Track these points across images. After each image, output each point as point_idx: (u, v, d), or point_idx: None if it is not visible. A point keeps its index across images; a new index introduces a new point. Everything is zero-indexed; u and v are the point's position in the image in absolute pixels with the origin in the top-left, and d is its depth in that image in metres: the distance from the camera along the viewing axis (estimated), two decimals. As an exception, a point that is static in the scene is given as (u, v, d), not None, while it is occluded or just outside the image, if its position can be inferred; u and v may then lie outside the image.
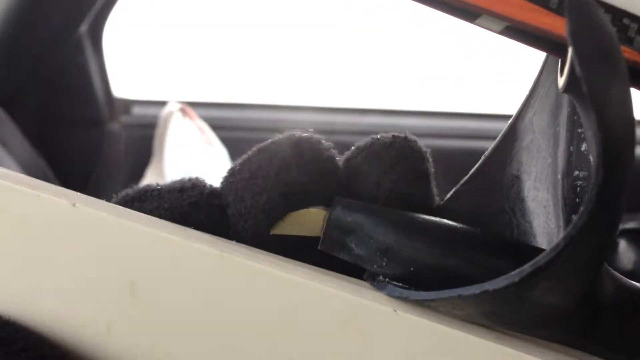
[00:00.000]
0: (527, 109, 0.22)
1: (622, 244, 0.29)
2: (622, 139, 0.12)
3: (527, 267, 0.15)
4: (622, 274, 0.20)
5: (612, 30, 0.13)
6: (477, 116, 0.98)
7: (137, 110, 1.00)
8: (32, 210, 0.20)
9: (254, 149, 0.21)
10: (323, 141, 0.21)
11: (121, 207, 0.21)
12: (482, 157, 0.22)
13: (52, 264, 0.20)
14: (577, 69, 0.12)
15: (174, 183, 0.21)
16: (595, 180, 0.12)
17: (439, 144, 0.93)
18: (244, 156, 0.21)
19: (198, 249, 0.20)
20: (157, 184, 0.21)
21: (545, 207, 0.21)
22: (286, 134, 0.21)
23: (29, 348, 0.19)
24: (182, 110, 0.84)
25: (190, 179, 0.21)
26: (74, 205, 0.20)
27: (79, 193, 0.20)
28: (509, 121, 0.22)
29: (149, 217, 0.20)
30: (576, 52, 0.13)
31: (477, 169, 0.22)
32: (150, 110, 0.96)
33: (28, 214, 0.20)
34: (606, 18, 0.13)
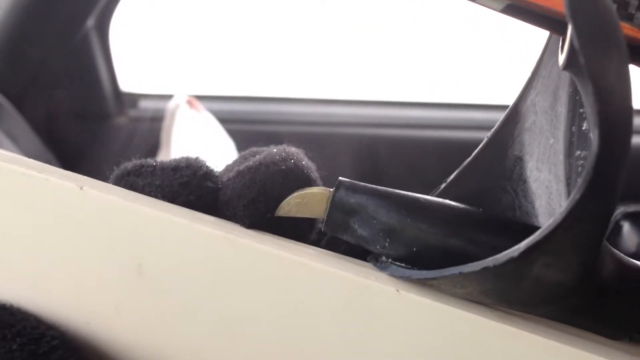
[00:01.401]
0: (529, 91, 0.22)
1: (626, 227, 0.29)
2: (619, 111, 0.13)
3: (525, 243, 0.15)
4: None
5: (612, 5, 0.13)
6: (479, 107, 0.98)
7: (144, 104, 1.01)
8: (41, 193, 0.20)
9: (244, 166, 0.21)
10: (304, 172, 0.21)
11: (128, 190, 0.21)
12: (485, 139, 0.23)
13: (61, 246, 0.21)
14: (575, 42, 0.13)
15: (171, 161, 0.21)
16: (593, 152, 0.13)
17: (442, 135, 0.93)
18: (236, 169, 0.21)
19: (204, 231, 0.20)
20: (155, 160, 0.22)
21: (547, 188, 0.21)
22: (275, 154, 0.21)
23: (26, 332, 0.19)
24: (189, 103, 0.84)
25: (188, 159, 0.21)
26: (81, 188, 0.20)
27: (86, 177, 0.21)
28: (511, 103, 0.22)
29: (156, 200, 0.21)
30: (574, 25, 0.13)
31: (480, 150, 0.23)
32: (157, 104, 0.97)
33: (37, 197, 0.20)
34: (604, -8, 0.14)
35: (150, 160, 0.22)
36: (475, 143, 0.23)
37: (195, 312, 0.20)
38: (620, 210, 0.30)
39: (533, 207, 0.21)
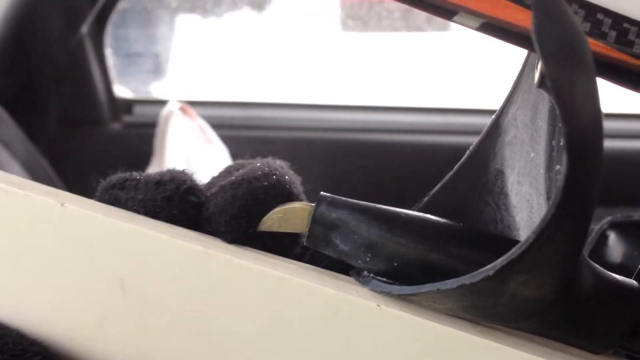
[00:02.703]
0: (510, 105, 0.22)
1: (612, 237, 0.29)
2: (587, 132, 0.13)
3: (500, 261, 0.15)
4: (611, 267, 0.20)
5: (579, 25, 0.13)
6: (467, 112, 0.98)
7: (138, 110, 1.01)
8: (22, 210, 0.20)
9: (226, 181, 0.21)
10: (287, 187, 0.21)
11: (110, 206, 0.21)
12: (467, 153, 0.23)
13: (42, 263, 0.21)
14: (542, 65, 0.13)
15: (155, 175, 0.21)
16: (563, 173, 0.13)
17: (429, 140, 0.93)
18: (219, 184, 0.21)
19: (184, 246, 0.20)
20: (140, 174, 0.21)
21: (528, 202, 0.21)
22: (257, 169, 0.21)
23: (8, 347, 0.19)
24: (182, 109, 0.84)
25: (172, 172, 0.21)
26: (62, 204, 0.20)
27: (68, 193, 0.21)
28: (493, 117, 0.22)
29: (137, 215, 0.21)
30: (540, 47, 0.13)
31: (461, 164, 0.23)
32: (151, 110, 0.97)
33: (18, 214, 0.20)
34: (572, 13, 0.14)
35: (135, 174, 0.21)
36: (461, 147, 0.23)
37: (178, 327, 0.21)
38: (607, 220, 0.30)
39: (514, 221, 0.21)
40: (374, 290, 0.20)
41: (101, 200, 0.21)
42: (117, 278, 0.20)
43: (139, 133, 0.96)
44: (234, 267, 0.20)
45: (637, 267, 0.20)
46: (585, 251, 0.31)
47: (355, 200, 0.21)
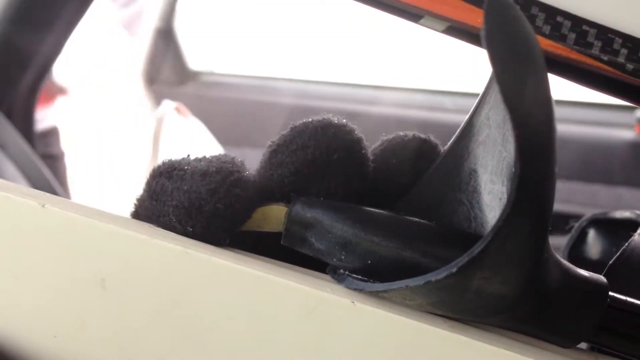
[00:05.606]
0: (484, 105, 0.22)
1: (591, 234, 0.29)
2: (537, 133, 0.13)
3: (462, 258, 0.15)
4: (590, 264, 0.21)
5: (530, 29, 0.13)
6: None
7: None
8: (2, 211, 0.21)
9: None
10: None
11: (90, 207, 0.21)
12: (442, 152, 0.23)
13: (24, 263, 0.21)
14: (492, 69, 0.13)
15: (203, 164, 0.20)
16: (516, 174, 0.13)
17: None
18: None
19: (164, 246, 0.20)
20: (189, 162, 0.20)
21: (500, 200, 0.21)
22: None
23: None
24: (177, 109, 0.84)
25: (221, 161, 0.20)
26: (43, 206, 0.20)
27: (48, 194, 0.21)
28: (467, 117, 0.23)
29: (117, 215, 0.21)
30: (489, 52, 0.13)
31: (437, 164, 0.23)
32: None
33: None
34: (524, 18, 0.14)
35: (183, 162, 0.21)
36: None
37: (158, 324, 0.21)
38: (587, 217, 0.31)
39: (487, 219, 0.22)
40: (348, 287, 0.20)
41: (150, 187, 0.21)
42: (98, 278, 0.21)
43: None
44: (213, 266, 0.20)
45: None
46: (566, 248, 0.31)
47: (330, 201, 0.21)
